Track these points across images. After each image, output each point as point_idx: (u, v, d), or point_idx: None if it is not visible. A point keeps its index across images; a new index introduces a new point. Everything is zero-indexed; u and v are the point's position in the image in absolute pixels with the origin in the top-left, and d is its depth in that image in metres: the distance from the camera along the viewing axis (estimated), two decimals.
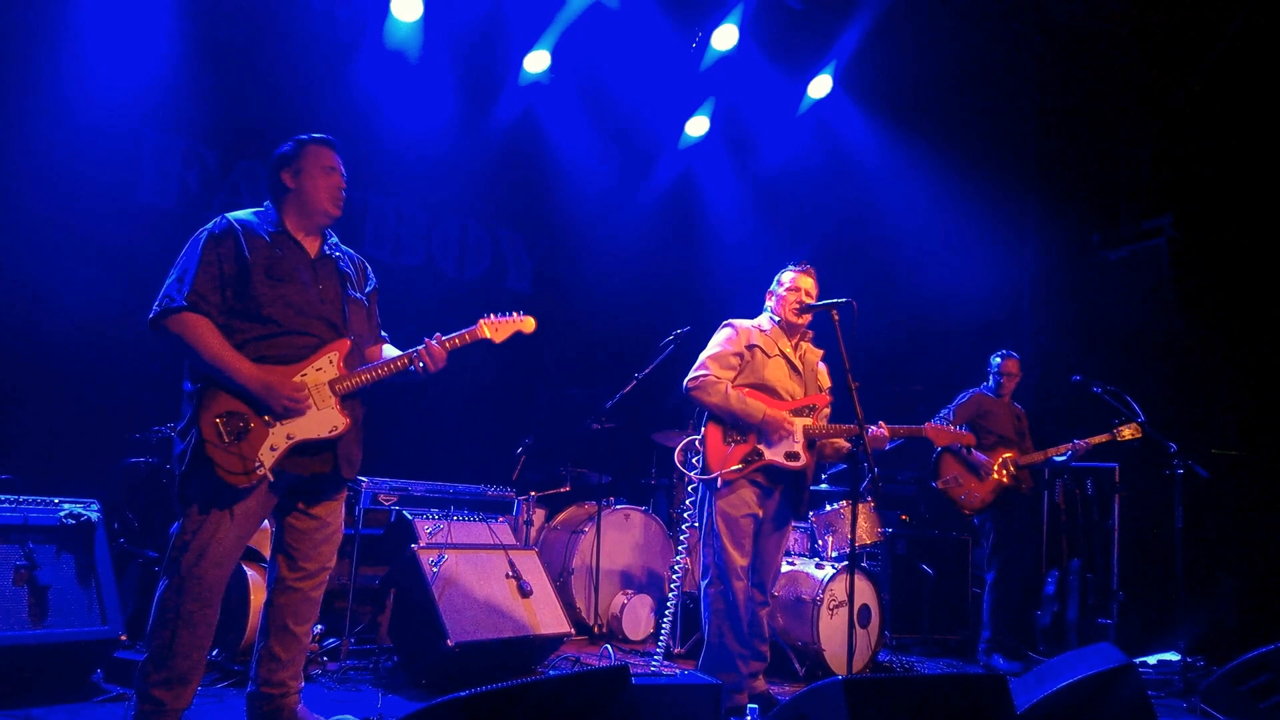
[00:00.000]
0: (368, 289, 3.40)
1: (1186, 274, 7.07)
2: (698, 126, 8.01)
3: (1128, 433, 5.71)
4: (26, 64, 5.37)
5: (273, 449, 2.98)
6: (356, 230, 6.94)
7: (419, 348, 3.25)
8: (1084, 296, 7.73)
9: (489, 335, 3.39)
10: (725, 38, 7.27)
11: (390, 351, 3.41)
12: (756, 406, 4.01)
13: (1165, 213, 7.23)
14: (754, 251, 8.17)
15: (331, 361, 3.12)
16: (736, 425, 4.04)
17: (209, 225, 3.09)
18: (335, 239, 3.34)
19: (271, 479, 2.98)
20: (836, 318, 3.92)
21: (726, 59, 7.44)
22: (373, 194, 7.02)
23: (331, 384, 3.10)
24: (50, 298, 5.25)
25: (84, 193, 5.57)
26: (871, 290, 6.36)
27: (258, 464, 2.94)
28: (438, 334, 3.27)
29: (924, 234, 7.86)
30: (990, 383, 6.10)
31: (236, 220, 3.11)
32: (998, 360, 6.10)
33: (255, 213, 3.20)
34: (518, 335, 3.46)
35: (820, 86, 7.81)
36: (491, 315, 3.41)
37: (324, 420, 3.08)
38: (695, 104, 7.92)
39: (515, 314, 3.45)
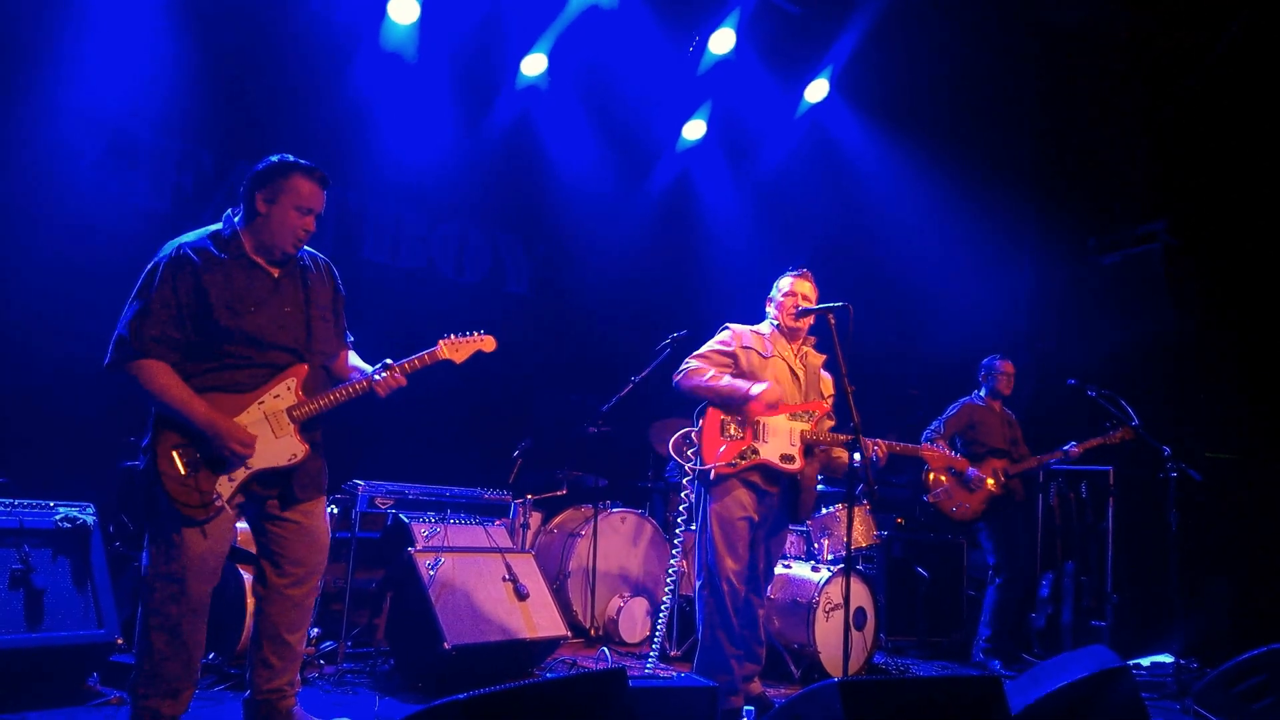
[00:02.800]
0: (333, 298, 3.32)
1: (1181, 278, 7.11)
2: (695, 130, 8.01)
3: (1119, 435, 5.73)
4: (20, 69, 5.34)
5: (231, 480, 2.97)
6: (356, 233, 6.93)
7: (377, 370, 3.19)
8: (1079, 301, 7.77)
9: (449, 356, 3.34)
10: (722, 42, 7.29)
11: (354, 359, 3.37)
12: (742, 382, 3.99)
13: (1160, 218, 7.27)
14: (751, 255, 8.19)
15: (289, 388, 3.08)
16: (728, 409, 4.01)
17: (161, 256, 2.99)
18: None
19: (231, 511, 2.97)
20: (833, 321, 3.91)
21: (724, 63, 7.44)
22: (371, 197, 6.99)
23: (289, 411, 3.07)
24: (45, 302, 5.23)
25: (79, 197, 5.54)
26: (868, 294, 6.36)
27: (215, 496, 2.93)
28: (387, 360, 3.22)
29: (920, 238, 7.88)
30: (983, 389, 6.04)
31: (191, 248, 3.00)
32: (996, 362, 6.01)
33: (211, 233, 3.07)
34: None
35: (817, 91, 7.82)
36: (451, 335, 3.36)
37: (283, 448, 3.06)
38: (692, 108, 7.92)
39: (475, 334, 3.40)
